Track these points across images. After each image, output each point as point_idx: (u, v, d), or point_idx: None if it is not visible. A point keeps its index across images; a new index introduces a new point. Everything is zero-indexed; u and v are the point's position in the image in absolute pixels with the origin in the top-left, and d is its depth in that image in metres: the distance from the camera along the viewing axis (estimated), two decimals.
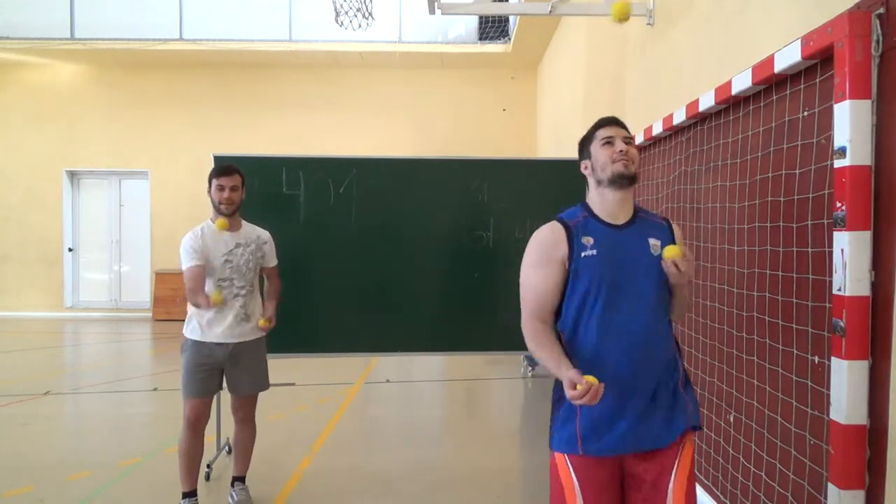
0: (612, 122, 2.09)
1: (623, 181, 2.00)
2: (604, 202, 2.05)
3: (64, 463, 4.15)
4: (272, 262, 3.50)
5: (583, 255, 1.97)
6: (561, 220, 2.06)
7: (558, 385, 1.99)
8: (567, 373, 1.79)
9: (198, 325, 3.30)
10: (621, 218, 2.04)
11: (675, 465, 1.93)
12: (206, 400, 3.32)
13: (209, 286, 3.27)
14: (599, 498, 1.93)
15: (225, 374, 3.36)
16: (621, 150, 2.00)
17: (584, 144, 2.13)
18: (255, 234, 3.44)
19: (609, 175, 2.01)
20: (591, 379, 1.74)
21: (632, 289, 1.96)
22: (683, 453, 1.96)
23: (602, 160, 2.02)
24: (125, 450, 4.40)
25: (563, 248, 1.99)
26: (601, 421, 1.92)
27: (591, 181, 2.10)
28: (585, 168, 2.11)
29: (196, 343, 3.29)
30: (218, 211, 3.30)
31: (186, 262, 3.21)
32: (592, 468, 1.93)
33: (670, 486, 1.91)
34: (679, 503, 1.89)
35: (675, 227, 2.12)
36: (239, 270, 3.32)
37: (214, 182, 3.28)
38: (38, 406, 5.56)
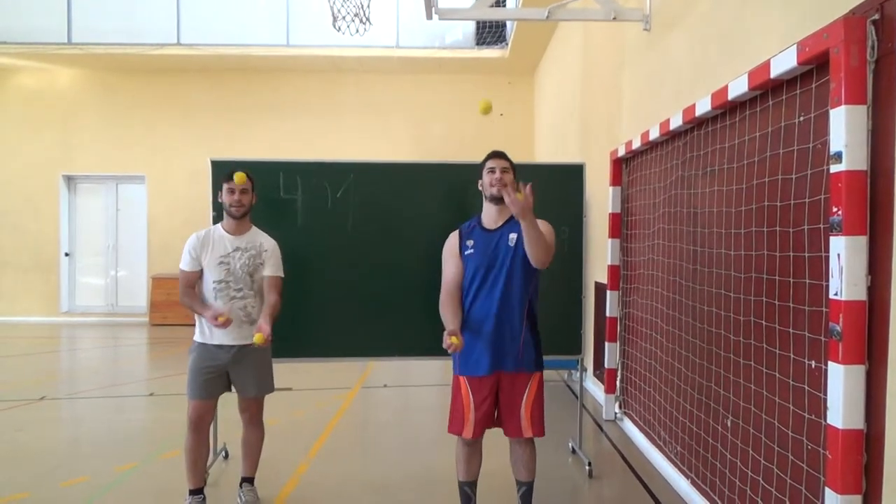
0: (496, 155, 3.07)
1: (495, 200, 3.00)
2: (487, 213, 3.07)
3: (59, 468, 4.14)
4: (269, 271, 3.44)
5: (465, 252, 3.03)
6: (459, 229, 3.13)
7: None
8: (448, 329, 2.80)
9: (203, 327, 3.37)
10: (499, 222, 3.03)
11: (528, 386, 2.99)
12: (208, 402, 3.37)
13: (208, 288, 3.35)
14: (478, 401, 2.97)
15: (230, 376, 3.41)
16: (498, 178, 2.97)
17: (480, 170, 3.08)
18: (258, 240, 3.46)
19: (489, 194, 3.03)
20: (454, 339, 2.71)
21: (495, 270, 2.95)
22: (532, 383, 3.00)
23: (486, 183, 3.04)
24: (121, 455, 4.39)
25: (456, 248, 3.07)
26: (469, 355, 2.97)
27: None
28: (480, 186, 3.08)
29: (200, 345, 3.37)
30: (228, 213, 3.40)
31: (181, 265, 3.38)
32: (475, 382, 2.98)
33: (524, 396, 2.99)
34: (527, 408, 2.99)
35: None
36: (235, 274, 3.35)
37: (225, 185, 3.39)
38: (34, 411, 5.54)
